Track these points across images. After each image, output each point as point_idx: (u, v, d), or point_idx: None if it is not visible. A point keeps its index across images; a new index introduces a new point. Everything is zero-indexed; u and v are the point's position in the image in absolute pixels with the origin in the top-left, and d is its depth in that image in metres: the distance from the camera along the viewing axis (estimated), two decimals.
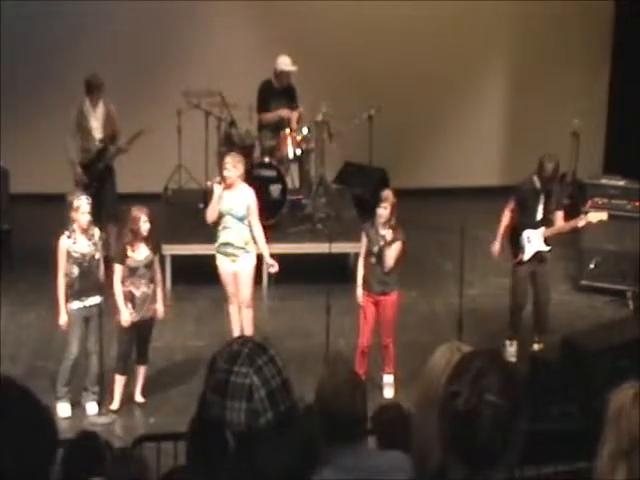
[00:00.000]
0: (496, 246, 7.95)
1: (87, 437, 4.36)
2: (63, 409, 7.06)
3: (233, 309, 7.71)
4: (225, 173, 7.43)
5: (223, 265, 7.56)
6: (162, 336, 7.73)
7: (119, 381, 7.17)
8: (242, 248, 7.48)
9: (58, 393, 7.03)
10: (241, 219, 7.44)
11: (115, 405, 7.18)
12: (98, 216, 7.68)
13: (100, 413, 7.10)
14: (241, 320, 7.68)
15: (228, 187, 7.40)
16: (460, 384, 2.02)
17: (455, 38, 11.65)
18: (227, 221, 7.43)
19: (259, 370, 2.10)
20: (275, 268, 7.67)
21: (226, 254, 7.50)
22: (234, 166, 7.42)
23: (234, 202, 7.43)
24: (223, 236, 7.49)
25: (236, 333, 7.65)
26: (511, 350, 7.93)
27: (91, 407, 7.15)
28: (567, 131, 10.91)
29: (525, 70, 11.98)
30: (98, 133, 9.29)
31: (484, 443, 2.01)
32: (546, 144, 11.28)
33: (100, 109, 9.29)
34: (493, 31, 11.83)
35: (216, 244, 7.57)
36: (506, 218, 7.91)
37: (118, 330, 7.13)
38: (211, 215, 7.49)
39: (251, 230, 7.54)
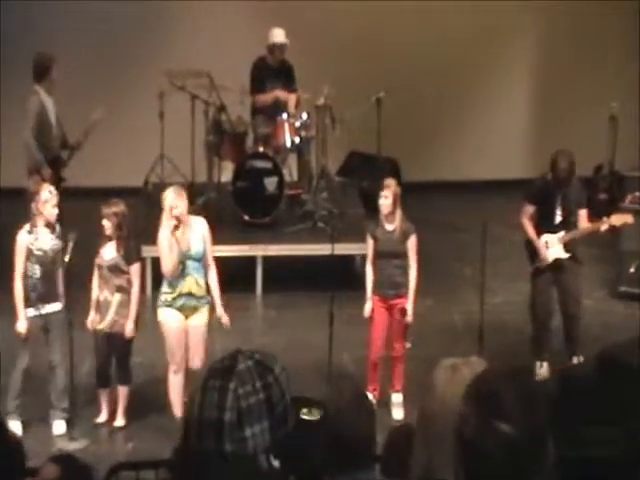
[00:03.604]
0: (543, 251, 7.83)
1: (64, 461, 4.37)
2: (13, 426, 7.01)
3: (176, 379, 7.00)
4: (175, 212, 6.76)
5: (173, 322, 6.92)
6: (142, 350, 7.73)
7: (100, 394, 7.30)
8: (203, 297, 6.96)
9: (8, 408, 7.04)
10: (200, 260, 6.92)
11: (101, 418, 7.31)
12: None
13: (71, 437, 7.11)
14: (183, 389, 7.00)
15: (181, 225, 6.84)
16: (468, 409, 1.99)
17: (477, 17, 11.66)
18: (185, 267, 6.86)
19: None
20: (226, 322, 7.10)
21: (182, 308, 6.91)
22: (181, 200, 6.82)
23: (190, 240, 6.90)
24: (181, 286, 6.88)
25: (178, 407, 7.00)
26: (542, 372, 7.86)
27: (58, 426, 7.17)
28: (603, 116, 10.93)
29: (555, 51, 11.99)
30: (55, 127, 8.88)
31: (495, 477, 1.97)
32: (579, 131, 11.35)
33: (53, 99, 8.82)
34: (519, 10, 11.84)
35: (165, 296, 6.94)
36: (529, 229, 7.79)
37: None
38: (172, 265, 6.81)
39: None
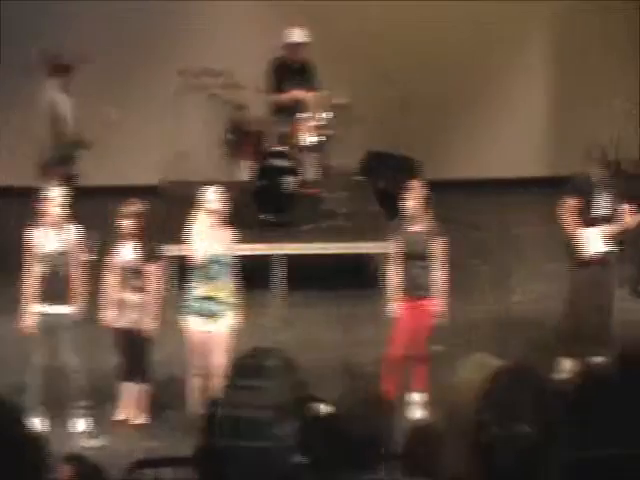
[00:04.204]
0: (583, 245, 7.77)
1: (75, 461, 4.40)
2: (34, 424, 7.03)
3: (196, 382, 7.07)
4: (216, 206, 6.87)
5: (195, 327, 6.97)
6: (161, 348, 7.77)
7: (121, 389, 7.33)
8: (226, 303, 6.96)
9: (28, 405, 7.02)
10: (225, 266, 6.94)
11: (121, 415, 7.34)
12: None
13: (91, 435, 7.16)
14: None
15: (215, 226, 6.89)
16: (486, 413, 2.00)
17: (494, 17, 11.64)
18: (209, 269, 6.89)
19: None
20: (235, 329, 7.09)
21: (203, 313, 6.94)
22: (221, 198, 6.92)
23: (219, 245, 6.91)
24: (202, 289, 6.92)
25: (197, 411, 6.82)
26: (565, 368, 7.87)
27: (79, 424, 7.23)
28: (620, 115, 10.89)
29: (573, 48, 11.93)
30: (67, 124, 9.04)
31: (514, 476, 1.99)
32: (597, 129, 11.29)
33: (67, 96, 9.01)
34: (537, 8, 11.81)
35: (187, 300, 7.01)
36: (570, 221, 7.74)
37: None
38: (200, 254, 6.87)
39: None
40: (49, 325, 7.09)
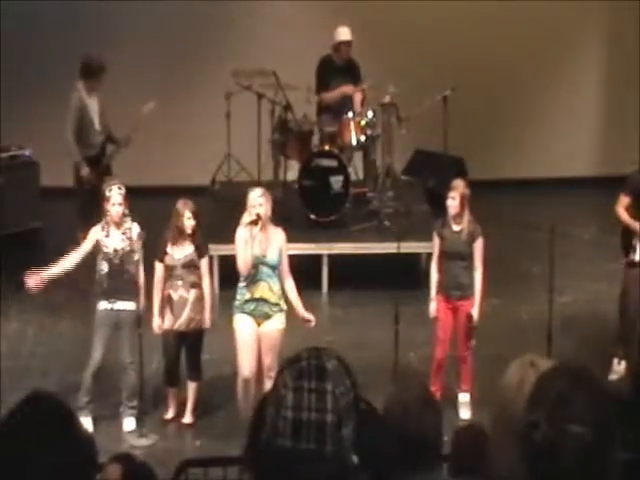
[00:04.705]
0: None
1: (123, 460, 4.42)
2: (84, 422, 7.14)
3: (245, 384, 6.99)
4: (259, 210, 6.80)
5: (245, 328, 6.93)
6: (210, 347, 7.81)
7: (169, 392, 7.39)
8: (276, 304, 6.94)
9: (79, 403, 7.10)
10: (274, 268, 6.91)
11: (169, 415, 7.40)
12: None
13: (141, 434, 7.21)
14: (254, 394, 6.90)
15: (261, 228, 6.82)
16: (538, 413, 1.97)
17: (545, 15, 11.53)
18: (258, 272, 6.87)
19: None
20: (312, 323, 7.10)
21: (253, 314, 6.92)
22: (267, 200, 6.87)
23: (266, 246, 6.89)
24: (252, 291, 6.89)
25: (246, 412, 6.75)
26: (619, 369, 7.79)
27: (128, 423, 7.27)
28: None
29: (623, 49, 11.79)
30: (97, 125, 9.11)
31: (567, 477, 1.96)
32: None
33: (97, 97, 9.08)
34: (587, 8, 11.69)
35: (238, 301, 6.98)
36: (625, 216, 7.68)
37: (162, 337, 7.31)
38: (247, 263, 6.82)
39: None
40: (113, 320, 7.15)
